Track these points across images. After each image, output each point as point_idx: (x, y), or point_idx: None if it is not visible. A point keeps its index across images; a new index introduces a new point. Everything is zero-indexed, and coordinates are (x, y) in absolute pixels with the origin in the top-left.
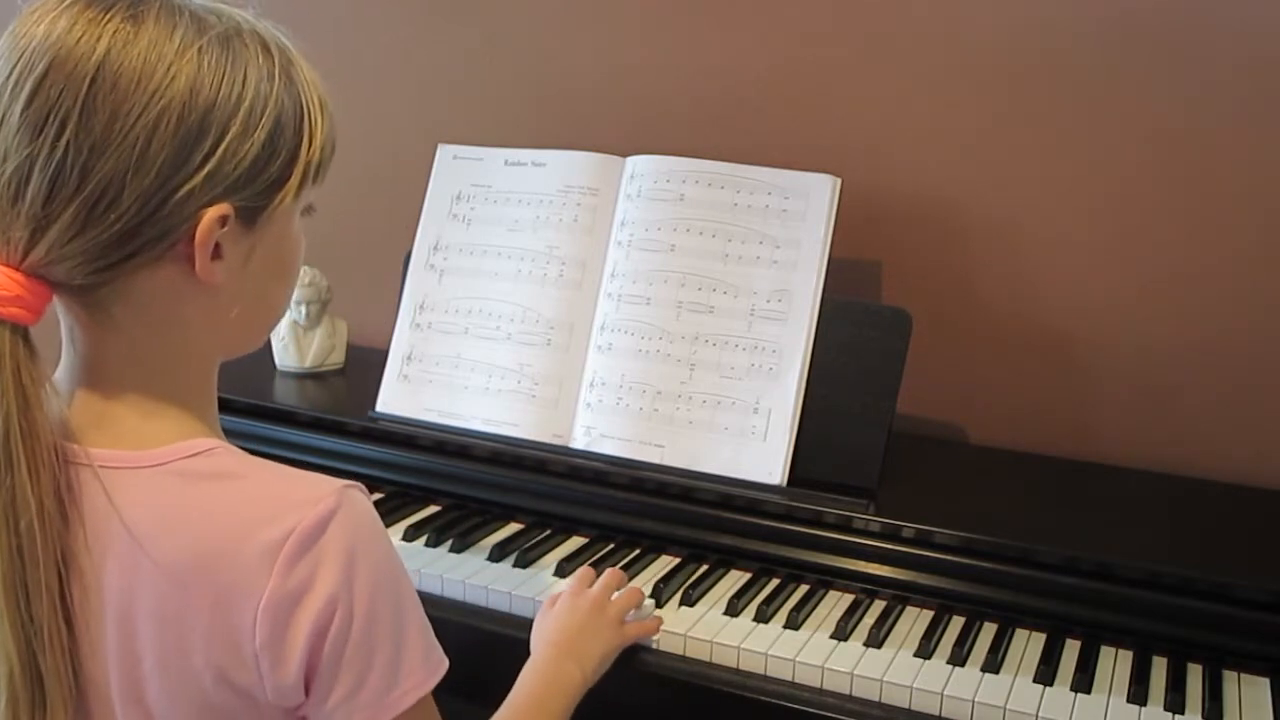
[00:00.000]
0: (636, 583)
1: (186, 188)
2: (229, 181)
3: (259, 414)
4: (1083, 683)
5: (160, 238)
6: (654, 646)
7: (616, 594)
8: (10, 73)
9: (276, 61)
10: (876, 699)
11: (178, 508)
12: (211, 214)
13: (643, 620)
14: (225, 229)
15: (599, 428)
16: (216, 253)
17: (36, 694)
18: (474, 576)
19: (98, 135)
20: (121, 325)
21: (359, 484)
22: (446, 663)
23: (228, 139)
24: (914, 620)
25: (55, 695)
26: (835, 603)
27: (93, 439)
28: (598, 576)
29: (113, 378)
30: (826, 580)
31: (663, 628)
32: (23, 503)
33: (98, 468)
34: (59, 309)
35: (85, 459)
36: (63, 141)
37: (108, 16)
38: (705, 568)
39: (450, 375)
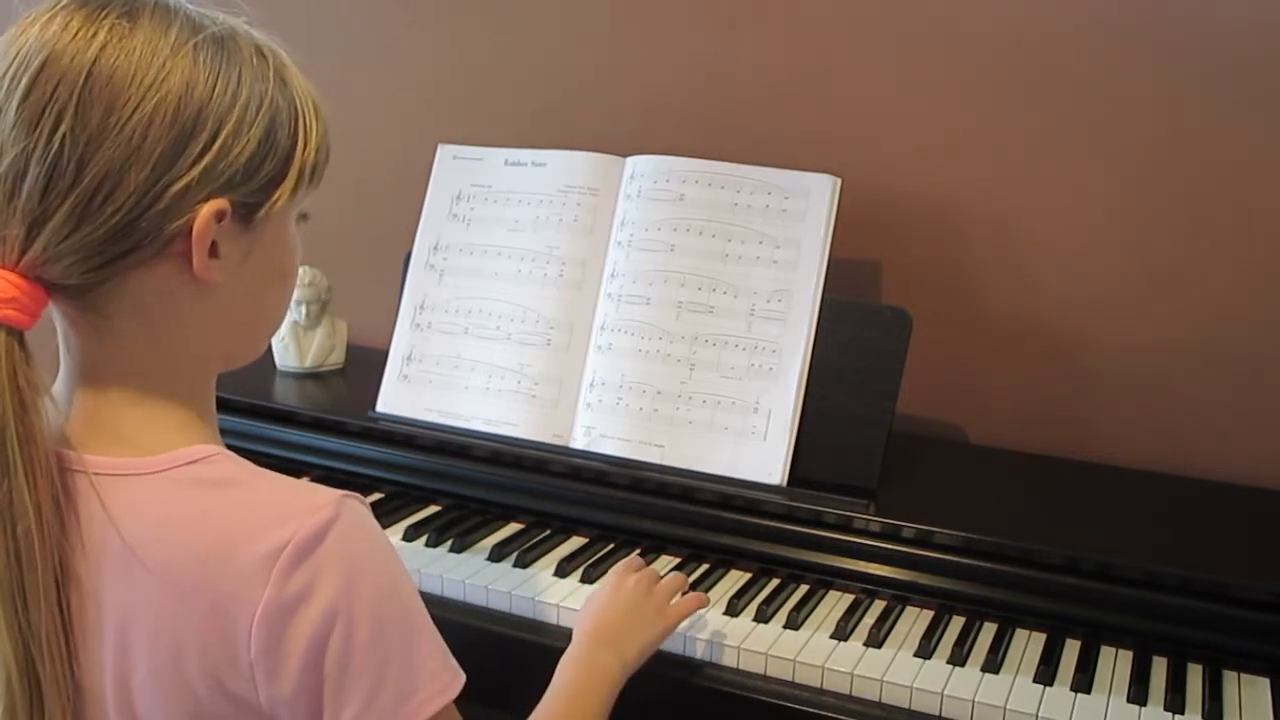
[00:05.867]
0: None
1: (183, 181)
2: (225, 178)
3: (259, 414)
4: (1083, 683)
5: (157, 233)
6: None
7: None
8: (6, 72)
9: (270, 65)
10: (876, 699)
11: (175, 515)
12: (208, 209)
13: (685, 599)
14: (222, 226)
15: (599, 428)
16: (214, 251)
17: (34, 701)
18: (474, 576)
19: (94, 128)
20: (118, 328)
21: (358, 494)
22: (464, 675)
23: (223, 134)
24: (914, 620)
25: (53, 703)
26: (835, 603)
27: (91, 445)
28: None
29: (110, 383)
30: (826, 580)
31: None
32: (20, 508)
33: (93, 475)
34: (55, 315)
35: (81, 466)
36: (59, 135)
37: (103, 15)
38: (705, 568)
39: (450, 375)
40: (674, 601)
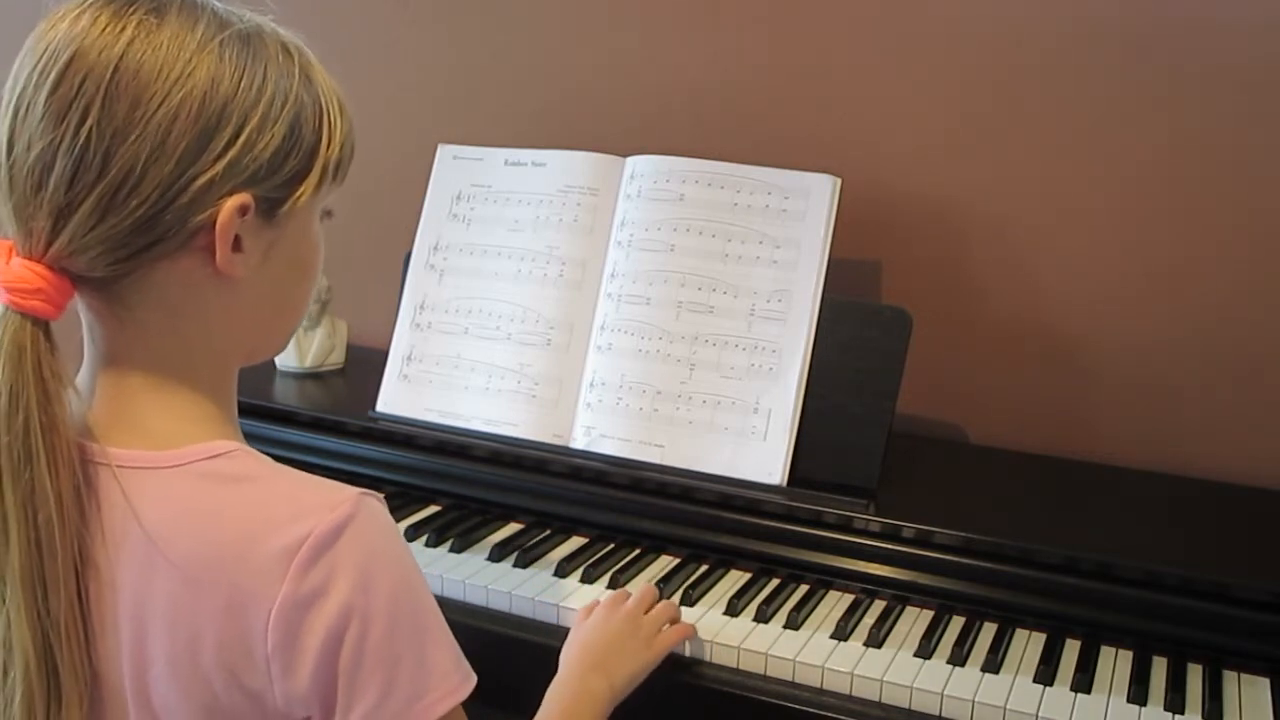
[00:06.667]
0: (636, 583)
1: (206, 176)
2: (249, 173)
3: (259, 414)
4: (1083, 683)
5: (180, 226)
6: None
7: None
8: (36, 65)
9: (296, 62)
10: (876, 699)
11: (195, 509)
12: (231, 203)
13: (672, 629)
14: (245, 220)
15: (599, 428)
16: (237, 245)
17: (52, 688)
18: (474, 576)
19: (120, 122)
20: (142, 320)
21: (377, 493)
22: (475, 677)
23: (247, 130)
24: (914, 620)
25: (71, 690)
26: (835, 603)
27: (113, 438)
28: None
29: (133, 376)
30: (826, 580)
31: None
32: (41, 496)
33: (115, 467)
34: (80, 307)
35: (103, 458)
36: (86, 127)
37: (130, 10)
38: (705, 568)
39: (450, 375)
40: (662, 632)
